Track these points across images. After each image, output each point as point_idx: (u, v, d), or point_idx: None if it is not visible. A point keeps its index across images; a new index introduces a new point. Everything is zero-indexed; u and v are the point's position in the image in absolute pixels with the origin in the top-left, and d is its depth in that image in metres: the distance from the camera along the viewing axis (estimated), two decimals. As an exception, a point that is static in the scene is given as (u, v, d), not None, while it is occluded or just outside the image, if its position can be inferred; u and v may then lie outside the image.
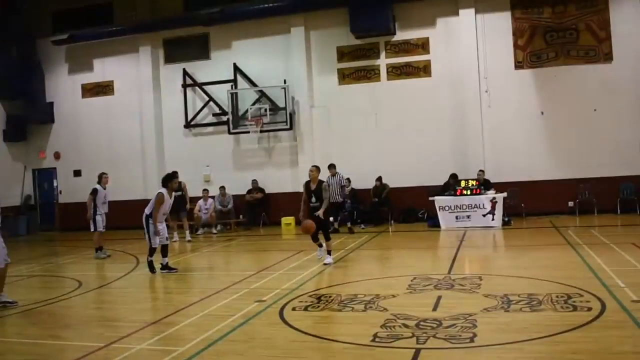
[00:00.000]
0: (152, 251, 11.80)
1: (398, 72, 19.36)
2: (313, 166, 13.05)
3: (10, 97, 22.95)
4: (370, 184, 18.59)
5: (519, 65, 18.49)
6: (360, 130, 19.51)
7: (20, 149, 23.62)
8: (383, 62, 19.53)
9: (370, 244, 14.85)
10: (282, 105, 19.78)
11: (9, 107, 23.09)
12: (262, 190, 20.07)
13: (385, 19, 18.68)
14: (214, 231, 19.00)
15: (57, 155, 23.37)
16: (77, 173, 22.86)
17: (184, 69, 21.33)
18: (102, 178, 15.08)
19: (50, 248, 18.94)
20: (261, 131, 19.94)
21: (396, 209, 18.62)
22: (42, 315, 8.91)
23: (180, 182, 15.83)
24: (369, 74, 19.61)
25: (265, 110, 19.69)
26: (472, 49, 18.59)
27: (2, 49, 22.53)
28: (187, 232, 17.59)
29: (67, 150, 23.23)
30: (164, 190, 11.75)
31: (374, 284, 9.65)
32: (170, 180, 11.96)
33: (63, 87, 23.27)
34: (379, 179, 18.59)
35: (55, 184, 23.67)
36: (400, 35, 19.37)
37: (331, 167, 17.21)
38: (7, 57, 22.74)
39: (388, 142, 19.28)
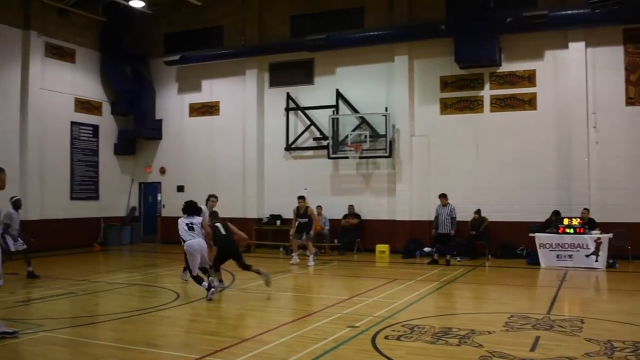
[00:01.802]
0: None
1: (502, 103, 18.99)
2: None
3: (123, 113, 24.17)
4: (468, 216, 18.23)
5: (630, 101, 17.73)
6: (460, 161, 19.22)
7: (129, 163, 24.73)
8: (487, 93, 19.22)
9: (466, 277, 14.54)
10: (382, 132, 19.79)
11: (121, 122, 24.28)
12: (358, 216, 20.08)
13: (491, 49, 18.41)
14: (308, 254, 19.09)
15: (162, 171, 24.30)
16: (180, 188, 23.63)
17: (287, 93, 21.75)
18: (209, 200, 14.30)
19: (151, 259, 19.61)
20: (360, 157, 20.00)
21: (494, 243, 18.16)
22: (141, 323, 9.24)
23: (307, 207, 17.42)
24: (472, 105, 19.35)
25: (366, 136, 19.75)
26: (580, 83, 17.98)
27: (119, 68, 23.82)
28: (311, 256, 17.20)
29: (172, 166, 24.11)
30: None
31: (469, 319, 9.44)
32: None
33: (172, 105, 24.22)
34: (478, 211, 18.23)
35: (159, 198, 24.58)
36: (506, 67, 19.02)
37: (442, 196, 16.99)
38: (123, 75, 24.02)
39: (488, 175, 18.89)
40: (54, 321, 9.32)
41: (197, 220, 11.86)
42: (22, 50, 20.51)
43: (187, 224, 11.75)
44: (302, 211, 17.35)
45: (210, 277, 11.45)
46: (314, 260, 17.08)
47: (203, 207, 13.26)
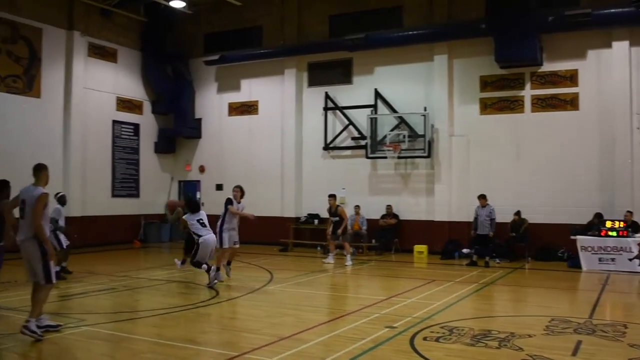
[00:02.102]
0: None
1: (543, 103, 18.72)
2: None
3: (163, 112, 24.48)
4: (507, 217, 18.00)
5: (676, 102, 17.34)
6: (500, 161, 19.00)
7: (169, 161, 25.04)
8: (528, 93, 18.95)
9: (506, 279, 14.36)
10: (421, 132, 19.68)
11: (162, 121, 24.60)
12: (396, 216, 20.00)
13: (532, 49, 18.14)
14: (346, 253, 19.09)
15: (201, 169, 24.54)
16: (219, 187, 23.82)
17: (326, 92, 21.77)
18: (233, 191, 14.14)
19: (189, 256, 19.74)
20: (399, 157, 19.91)
21: (534, 245, 17.89)
22: (180, 319, 9.35)
23: (338, 206, 17.45)
24: (512, 105, 19.11)
25: (404, 136, 19.65)
26: (624, 83, 17.61)
27: (159, 67, 24.15)
28: (349, 256, 17.23)
29: (211, 164, 24.33)
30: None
31: (508, 322, 9.33)
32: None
33: (211, 104, 24.44)
34: (518, 212, 18.00)
35: (198, 196, 24.80)
36: (548, 66, 18.73)
37: (481, 197, 16.85)
38: (164, 75, 24.34)
39: (529, 175, 18.63)
40: (95, 316, 9.49)
41: (204, 215, 13.15)
42: (66, 50, 20.92)
43: (198, 221, 12.93)
44: (332, 210, 17.41)
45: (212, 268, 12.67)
46: (351, 259, 17.03)
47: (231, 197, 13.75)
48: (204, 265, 12.51)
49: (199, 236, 12.71)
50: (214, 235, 13.00)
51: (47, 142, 19.84)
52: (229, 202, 13.45)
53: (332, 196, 17.64)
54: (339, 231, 17.21)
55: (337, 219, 17.26)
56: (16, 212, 8.44)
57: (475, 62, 19.51)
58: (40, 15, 20.09)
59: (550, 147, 18.44)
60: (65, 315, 9.29)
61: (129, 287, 12.63)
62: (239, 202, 13.57)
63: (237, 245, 13.65)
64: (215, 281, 12.43)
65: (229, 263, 13.61)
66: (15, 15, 19.32)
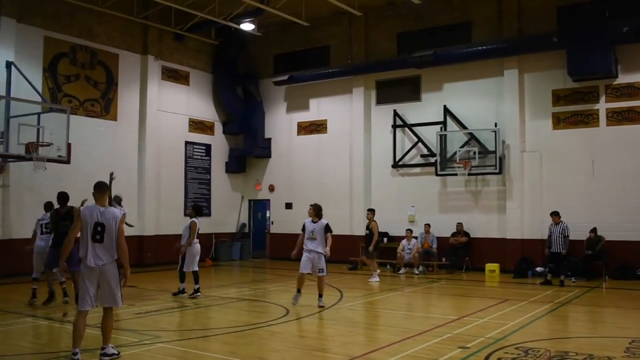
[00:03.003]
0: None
1: (619, 117, 18.14)
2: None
3: (234, 133, 24.96)
4: (583, 234, 17.48)
5: None
6: (575, 177, 18.48)
7: (239, 180, 25.45)
8: (603, 106, 18.41)
9: (582, 299, 13.91)
10: (491, 148, 19.38)
11: (232, 141, 25.08)
12: (467, 234, 19.70)
13: (606, 61, 17.63)
14: (416, 272, 18.94)
15: (271, 188, 24.83)
16: (289, 206, 24.08)
17: (394, 110, 21.74)
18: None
19: (260, 274, 20.03)
20: (469, 174, 19.65)
21: (611, 264, 17.28)
22: (252, 337, 9.44)
23: (372, 221, 17.34)
24: (587, 119, 18.60)
25: (474, 153, 19.40)
26: None
27: (230, 89, 24.68)
28: (376, 272, 17.24)
29: (280, 183, 24.59)
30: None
31: (586, 343, 9.03)
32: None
33: (281, 124, 24.76)
34: (594, 230, 17.45)
35: (268, 215, 25.11)
36: (623, 79, 18.15)
37: (554, 214, 16.46)
38: (234, 96, 24.85)
39: (605, 192, 18.05)
40: (170, 333, 9.70)
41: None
42: (141, 74, 21.65)
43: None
44: (368, 224, 17.62)
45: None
46: (377, 276, 17.14)
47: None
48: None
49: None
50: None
51: (122, 163, 20.48)
52: (329, 228, 12.63)
53: (371, 210, 17.91)
54: (371, 247, 17.21)
55: (367, 232, 17.51)
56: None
57: (547, 76, 19.12)
58: (116, 42, 20.88)
59: (627, 162, 17.83)
60: (140, 332, 9.53)
61: (201, 304, 12.84)
62: (314, 222, 12.61)
63: (316, 273, 12.55)
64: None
65: (320, 295, 12.38)
66: (93, 42, 20.13)
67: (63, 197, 12.53)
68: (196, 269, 13.69)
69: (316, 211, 12.63)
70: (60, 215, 12.26)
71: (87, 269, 7.44)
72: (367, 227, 17.57)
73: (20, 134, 15.47)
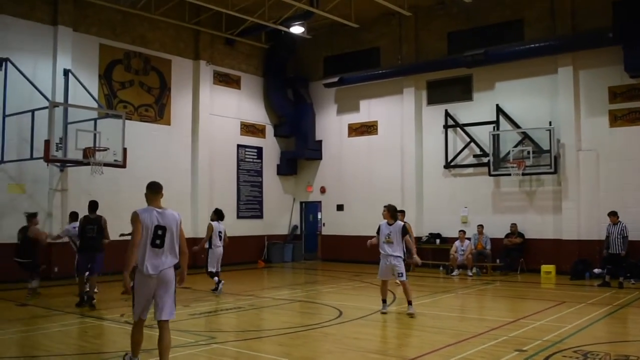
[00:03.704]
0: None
1: (680, 113, 17.61)
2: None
3: (285, 135, 25.13)
4: (643, 235, 17.00)
5: None
6: (634, 176, 17.93)
7: (291, 183, 25.60)
8: (662, 102, 17.91)
9: (642, 301, 13.54)
10: (546, 147, 19.02)
11: (283, 144, 25.25)
12: (521, 235, 19.36)
13: (665, 56, 17.15)
14: (470, 273, 18.71)
15: (322, 190, 24.88)
16: (340, 207, 24.11)
17: (445, 110, 21.54)
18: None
19: (312, 276, 20.08)
20: (523, 174, 19.30)
21: (673, 265, 16.76)
22: (306, 339, 9.48)
23: (405, 223, 15.77)
24: (645, 116, 18.10)
25: (528, 152, 19.05)
26: None
27: (281, 92, 24.83)
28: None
29: (331, 185, 24.62)
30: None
31: (648, 346, 8.79)
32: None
33: (331, 126, 24.80)
34: (654, 230, 16.95)
35: (319, 217, 25.18)
36: (683, 74, 17.63)
37: (612, 214, 16.10)
38: (285, 99, 25.00)
39: (665, 191, 17.54)
40: (225, 334, 9.82)
41: (223, 227, 14.89)
42: (193, 79, 21.98)
43: (219, 232, 14.67)
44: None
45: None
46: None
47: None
48: (216, 278, 14.38)
49: (212, 246, 14.57)
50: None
51: (176, 167, 20.83)
52: (406, 230, 11.82)
53: (401, 212, 16.13)
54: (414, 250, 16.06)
55: None
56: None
57: (602, 73, 18.66)
58: (169, 48, 21.25)
59: (688, 160, 17.27)
60: (195, 333, 9.66)
61: (255, 306, 12.95)
62: (389, 224, 11.70)
63: (396, 278, 11.78)
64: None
65: (409, 302, 11.53)
66: (146, 49, 20.54)
67: (93, 205, 13.08)
68: (212, 269, 14.58)
69: (391, 213, 11.77)
70: (88, 220, 12.83)
71: (143, 277, 6.79)
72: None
73: (77, 140, 15.93)
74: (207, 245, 14.69)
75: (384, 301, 11.72)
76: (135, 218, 6.82)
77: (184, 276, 7.24)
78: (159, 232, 6.84)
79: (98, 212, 13.05)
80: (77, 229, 13.27)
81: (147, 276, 6.76)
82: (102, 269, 13.19)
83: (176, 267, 7.04)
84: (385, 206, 11.94)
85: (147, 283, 6.80)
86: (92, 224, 12.76)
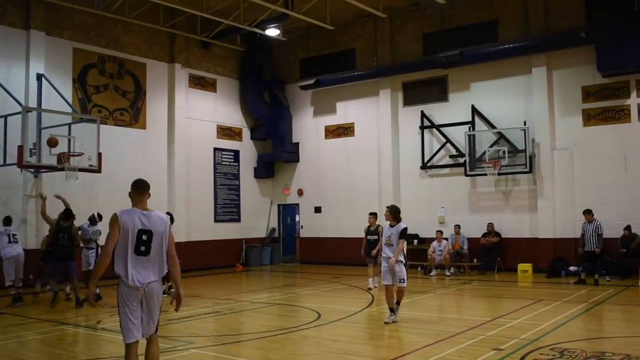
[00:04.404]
0: None
1: (652, 112, 17.86)
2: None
3: (262, 138, 25.06)
4: (617, 233, 17.17)
5: None
6: (607, 174, 18.18)
7: (268, 185, 25.54)
8: (634, 101, 18.07)
9: (617, 298, 13.68)
10: (521, 147, 19.18)
11: (260, 146, 25.19)
12: (498, 234, 19.50)
13: (637, 55, 17.33)
14: (447, 273, 18.80)
15: (300, 192, 24.85)
16: (318, 210, 24.11)
17: (422, 111, 21.63)
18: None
19: (291, 279, 20.06)
20: (499, 174, 19.45)
21: (647, 262, 16.99)
22: (285, 342, 9.46)
23: (378, 226, 15.55)
24: (618, 115, 18.30)
25: (504, 152, 19.20)
26: None
27: (257, 95, 24.76)
28: (377, 278, 14.95)
29: (309, 187, 24.60)
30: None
31: (623, 343, 8.89)
32: None
33: (308, 128, 24.79)
34: (628, 227, 17.13)
35: (297, 219, 25.15)
36: (655, 73, 17.89)
37: (587, 212, 16.27)
38: (261, 102, 24.93)
39: (639, 188, 17.75)
40: (203, 339, 9.75)
41: None
42: (168, 83, 21.85)
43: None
44: (372, 228, 15.81)
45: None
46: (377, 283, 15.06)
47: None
48: None
49: None
50: None
51: (152, 171, 20.60)
52: (405, 234, 11.05)
53: (373, 214, 16.14)
54: (374, 252, 15.30)
55: (375, 237, 15.40)
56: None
57: (575, 72, 18.87)
58: (143, 51, 21.11)
59: (661, 158, 17.52)
60: (173, 339, 9.59)
61: (233, 310, 12.91)
62: (391, 226, 10.98)
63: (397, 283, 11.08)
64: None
65: (398, 303, 11.10)
66: (121, 52, 20.38)
67: (67, 214, 13.53)
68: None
69: (393, 214, 11.07)
70: (61, 229, 13.21)
71: (128, 289, 5.83)
72: (374, 232, 15.65)
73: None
74: None
75: (392, 310, 10.87)
76: (113, 221, 5.89)
77: (180, 297, 6.23)
78: (144, 237, 5.91)
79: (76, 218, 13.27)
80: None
81: (132, 288, 5.82)
82: (76, 274, 13.50)
83: (165, 278, 6.37)
84: (387, 207, 11.40)
85: (133, 295, 5.84)
86: (64, 232, 12.93)
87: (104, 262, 5.87)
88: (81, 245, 14.23)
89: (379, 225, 15.61)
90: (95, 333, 10.51)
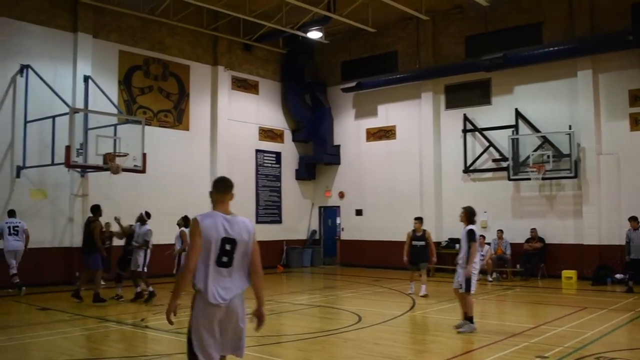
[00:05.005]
0: None
1: (702, 116, 17.41)
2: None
3: (303, 140, 25.15)
4: (665, 239, 16.77)
5: None
6: (656, 180, 17.80)
7: (309, 188, 25.60)
8: (684, 105, 17.71)
9: (665, 306, 13.36)
10: (566, 151, 18.87)
11: (302, 149, 25.28)
12: (541, 239, 19.21)
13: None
14: (489, 279, 18.59)
15: (341, 195, 24.86)
16: (359, 212, 24.08)
17: (464, 114, 21.45)
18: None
19: (331, 281, 20.07)
20: (543, 178, 19.17)
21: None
22: (325, 344, 9.48)
23: (424, 231, 15.38)
24: (668, 119, 17.91)
25: (548, 156, 18.92)
26: None
27: (299, 97, 24.88)
28: (424, 286, 14.98)
29: (350, 190, 24.59)
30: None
31: (672, 352, 8.68)
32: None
33: (349, 131, 24.79)
34: (676, 235, 16.72)
35: (338, 221, 25.16)
36: None
37: (632, 219, 15.83)
38: (303, 104, 25.04)
39: (688, 195, 17.32)
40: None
41: None
42: (211, 85, 22.09)
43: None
44: (418, 234, 15.32)
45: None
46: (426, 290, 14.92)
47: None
48: None
49: None
50: None
51: (195, 172, 20.92)
52: (472, 236, 10.44)
53: (419, 219, 15.72)
54: (433, 259, 15.28)
55: (422, 243, 15.17)
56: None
57: (623, 76, 18.50)
58: (187, 53, 21.38)
59: None
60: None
61: (274, 311, 12.95)
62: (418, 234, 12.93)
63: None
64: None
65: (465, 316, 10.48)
66: (165, 55, 20.68)
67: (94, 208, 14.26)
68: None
69: (467, 215, 10.67)
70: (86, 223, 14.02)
71: (207, 306, 4.98)
72: (420, 238, 15.23)
73: (98, 145, 16.13)
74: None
75: (466, 318, 10.32)
76: (195, 228, 5.07)
77: (262, 316, 5.30)
78: (227, 246, 5.09)
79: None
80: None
81: (212, 305, 4.96)
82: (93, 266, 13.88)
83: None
84: (462, 208, 10.88)
85: (212, 313, 4.99)
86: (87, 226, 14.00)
87: (185, 280, 5.00)
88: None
89: (425, 231, 15.43)
90: (139, 331, 10.67)
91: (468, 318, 10.26)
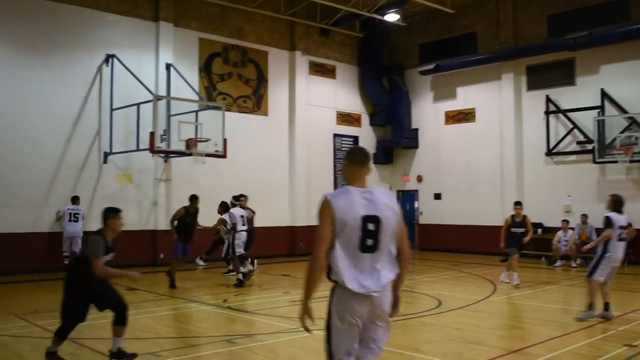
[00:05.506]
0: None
1: None
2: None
3: (381, 124, 25.04)
4: None
5: None
6: None
7: (387, 172, 25.50)
8: None
9: None
10: (655, 133, 18.11)
11: (379, 132, 25.19)
12: (629, 225, 18.48)
13: None
14: (573, 265, 18.08)
15: (419, 179, 24.67)
16: (437, 196, 23.83)
17: (547, 96, 20.84)
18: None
19: (410, 265, 19.79)
20: (631, 161, 18.44)
21: None
22: (405, 327, 9.43)
23: (525, 217, 14.46)
24: None
25: (637, 138, 18.19)
26: None
27: (376, 80, 24.76)
28: (516, 274, 14.18)
29: (428, 174, 24.37)
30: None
31: None
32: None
33: (427, 114, 24.52)
34: None
35: (416, 205, 24.98)
36: None
37: None
38: (380, 87, 24.90)
39: None
40: (322, 321, 9.88)
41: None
42: (289, 70, 22.26)
43: (241, 216, 14.37)
44: (518, 220, 14.37)
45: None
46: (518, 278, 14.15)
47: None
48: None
49: (236, 231, 14.26)
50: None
51: (274, 157, 21.22)
52: (605, 222, 10.18)
53: (519, 203, 14.79)
54: (526, 239, 14.25)
55: (522, 230, 14.30)
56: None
57: None
58: (265, 39, 21.60)
59: None
60: (295, 319, 9.78)
61: (353, 295, 12.99)
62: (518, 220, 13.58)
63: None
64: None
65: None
66: (243, 41, 20.96)
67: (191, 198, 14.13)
68: (240, 252, 14.31)
69: (611, 203, 10.45)
70: (188, 213, 13.86)
71: (349, 301, 4.20)
72: (520, 224, 14.29)
73: (180, 131, 16.57)
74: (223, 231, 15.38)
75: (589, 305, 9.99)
76: (325, 209, 4.16)
77: (399, 299, 4.49)
78: (370, 226, 4.14)
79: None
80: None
81: (358, 296, 4.15)
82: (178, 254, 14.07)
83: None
84: (610, 195, 10.57)
85: (354, 309, 4.19)
86: (189, 217, 13.95)
87: (317, 273, 4.22)
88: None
89: (525, 216, 14.43)
90: (222, 311, 10.93)
91: (589, 304, 9.90)
